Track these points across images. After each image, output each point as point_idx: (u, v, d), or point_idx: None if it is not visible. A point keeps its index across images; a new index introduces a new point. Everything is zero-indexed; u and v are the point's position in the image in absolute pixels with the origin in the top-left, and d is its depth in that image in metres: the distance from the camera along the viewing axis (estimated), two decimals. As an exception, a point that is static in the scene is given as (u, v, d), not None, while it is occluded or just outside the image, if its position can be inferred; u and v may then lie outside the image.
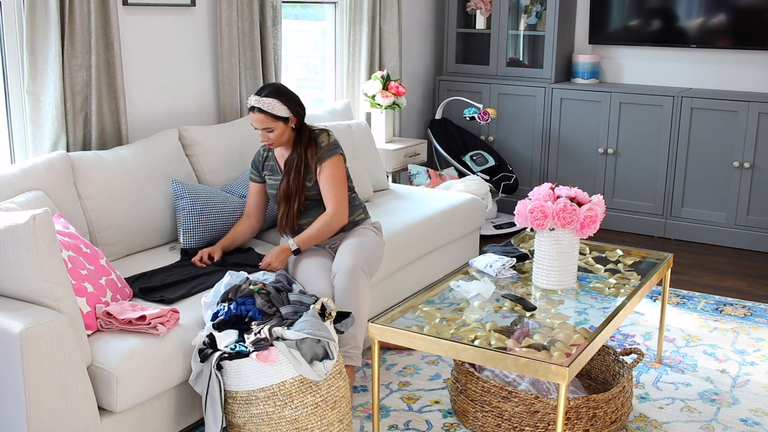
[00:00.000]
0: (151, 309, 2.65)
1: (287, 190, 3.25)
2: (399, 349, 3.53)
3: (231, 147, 3.82)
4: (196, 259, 3.22)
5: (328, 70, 5.16)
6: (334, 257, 3.31)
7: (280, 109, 3.17)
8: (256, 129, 3.22)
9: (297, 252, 3.19)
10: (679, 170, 5.18)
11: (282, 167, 3.33)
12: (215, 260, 3.24)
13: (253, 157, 3.45)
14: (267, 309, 2.68)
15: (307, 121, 4.27)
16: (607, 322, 2.68)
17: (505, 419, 2.77)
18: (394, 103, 5.01)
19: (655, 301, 4.16)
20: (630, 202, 5.40)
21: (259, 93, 3.19)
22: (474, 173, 5.30)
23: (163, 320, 2.62)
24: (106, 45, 3.44)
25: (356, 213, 3.40)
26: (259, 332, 2.58)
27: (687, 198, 5.21)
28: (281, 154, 3.35)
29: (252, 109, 3.18)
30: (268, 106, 3.15)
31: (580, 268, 3.17)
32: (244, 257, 3.33)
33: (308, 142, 3.26)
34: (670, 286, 4.35)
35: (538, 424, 2.72)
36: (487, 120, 5.35)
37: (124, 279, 2.91)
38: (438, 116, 5.70)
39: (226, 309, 2.68)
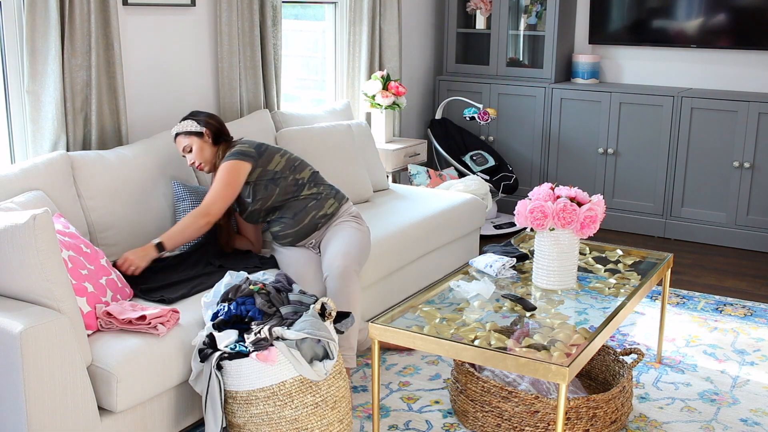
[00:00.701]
0: (151, 309, 2.65)
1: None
2: (399, 349, 3.53)
3: (231, 147, 3.82)
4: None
5: (328, 70, 5.16)
6: (317, 253, 3.32)
7: (191, 126, 3.32)
8: (183, 156, 3.37)
9: (160, 247, 3.07)
10: (679, 170, 5.18)
11: None
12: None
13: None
14: (267, 309, 2.68)
15: (306, 123, 4.30)
16: (607, 322, 2.68)
17: (505, 419, 2.77)
18: (394, 103, 5.01)
19: (655, 301, 4.16)
20: (630, 202, 5.40)
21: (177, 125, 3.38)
22: (474, 173, 5.30)
23: (163, 320, 2.62)
24: (106, 45, 3.44)
25: (327, 204, 3.35)
26: (259, 332, 2.58)
27: (687, 198, 5.21)
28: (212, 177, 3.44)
29: (174, 138, 3.36)
30: (181, 127, 3.33)
31: (580, 268, 3.17)
32: (240, 258, 3.32)
33: (224, 154, 3.33)
34: (670, 286, 4.35)
35: (538, 424, 2.72)
36: (487, 120, 5.35)
37: (125, 279, 2.91)
38: (438, 116, 5.70)
39: (226, 309, 2.68)
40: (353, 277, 3.09)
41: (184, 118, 3.36)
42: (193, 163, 3.33)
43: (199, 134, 3.31)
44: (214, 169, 3.35)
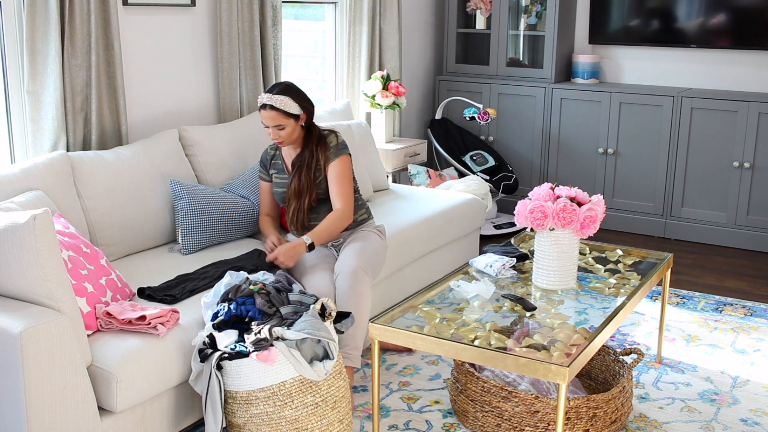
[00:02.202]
0: (151, 309, 2.65)
1: (299, 186, 3.27)
2: (399, 349, 3.53)
3: (231, 147, 3.82)
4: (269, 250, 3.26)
5: (328, 70, 5.16)
6: (337, 257, 3.32)
7: (292, 106, 3.20)
8: (266, 127, 3.23)
9: (311, 247, 3.18)
10: (679, 170, 5.18)
11: (289, 166, 3.35)
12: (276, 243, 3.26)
13: (261, 155, 3.48)
14: (267, 309, 2.68)
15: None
16: (607, 322, 2.68)
17: (505, 419, 2.77)
18: (394, 103, 5.01)
19: (655, 301, 4.16)
20: (630, 202, 5.40)
21: (270, 91, 3.22)
22: (474, 173, 5.30)
23: (163, 320, 2.62)
24: (106, 45, 3.44)
25: (359, 212, 3.42)
26: (259, 332, 2.58)
27: (687, 198, 5.21)
28: (289, 153, 3.37)
29: (263, 106, 3.20)
30: (280, 103, 3.18)
31: (580, 268, 3.17)
32: (248, 257, 3.31)
33: (318, 141, 3.29)
34: (670, 286, 4.35)
35: (538, 424, 2.72)
36: (487, 120, 5.35)
37: (154, 287, 2.93)
38: (438, 116, 5.70)
39: (226, 309, 2.68)
40: (363, 277, 3.10)
41: (280, 91, 3.21)
42: (278, 138, 3.23)
43: (296, 117, 3.23)
44: (289, 145, 3.31)
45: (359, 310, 3.03)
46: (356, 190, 3.43)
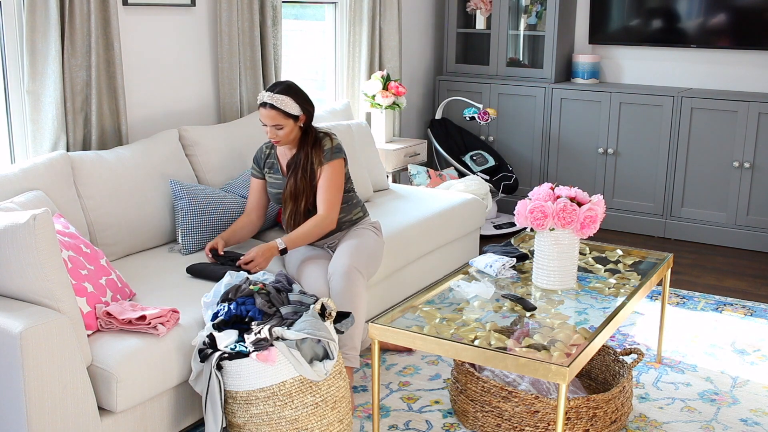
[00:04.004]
0: (151, 309, 2.65)
1: (295, 189, 3.25)
2: (399, 349, 3.53)
3: (231, 147, 3.82)
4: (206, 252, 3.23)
5: (328, 70, 5.16)
6: (331, 253, 3.32)
7: (292, 107, 3.17)
8: (264, 126, 3.21)
9: (284, 252, 3.15)
10: (679, 170, 5.18)
11: (284, 166, 3.33)
12: (219, 251, 3.20)
13: (255, 152, 3.45)
14: (267, 309, 2.68)
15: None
16: (607, 322, 2.68)
17: (505, 419, 2.77)
18: (394, 103, 5.01)
19: (655, 301, 4.16)
20: (630, 202, 5.40)
21: (271, 89, 3.18)
22: (474, 173, 5.30)
23: (163, 320, 2.62)
24: (106, 45, 3.44)
25: (354, 212, 3.40)
26: (259, 332, 2.58)
27: (687, 198, 5.21)
28: (284, 153, 3.35)
29: (263, 104, 3.17)
30: (281, 102, 3.15)
31: (580, 268, 3.17)
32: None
33: (313, 144, 3.26)
34: (670, 286, 4.35)
35: (538, 424, 2.72)
36: (487, 120, 5.35)
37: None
38: (438, 116, 5.70)
39: (226, 309, 2.68)
40: (357, 276, 3.08)
41: (280, 91, 3.17)
42: (275, 137, 3.20)
43: (295, 117, 3.20)
44: (286, 145, 3.27)
45: (355, 310, 3.02)
46: (351, 190, 3.41)
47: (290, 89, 3.21)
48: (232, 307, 2.68)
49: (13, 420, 2.29)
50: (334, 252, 3.32)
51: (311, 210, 3.28)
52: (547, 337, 2.60)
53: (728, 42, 5.21)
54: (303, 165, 3.24)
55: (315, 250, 3.32)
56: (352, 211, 3.39)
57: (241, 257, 3.12)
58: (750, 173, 4.98)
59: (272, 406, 2.56)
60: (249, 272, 2.99)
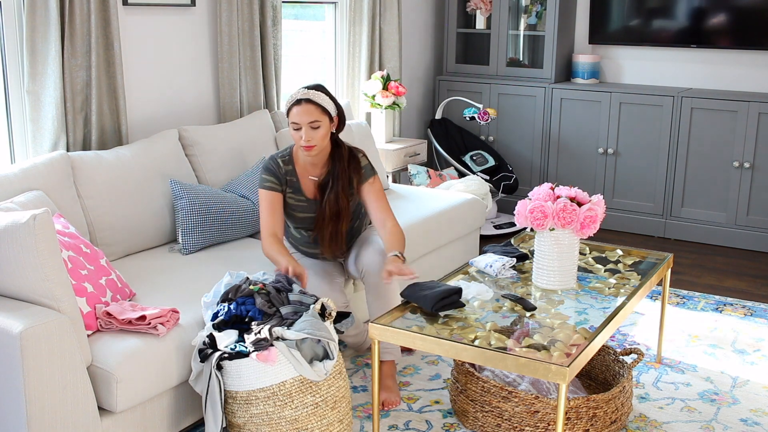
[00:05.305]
0: (151, 309, 2.65)
1: (336, 208, 3.06)
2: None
3: (231, 147, 3.82)
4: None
5: (328, 70, 5.16)
6: (340, 263, 3.32)
7: (328, 103, 3.01)
8: (297, 129, 2.96)
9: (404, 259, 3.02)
10: (679, 170, 5.18)
11: (307, 188, 3.12)
12: (303, 285, 2.92)
13: (265, 164, 3.12)
14: (267, 309, 2.68)
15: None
16: (607, 322, 2.68)
17: (505, 419, 2.77)
18: (394, 103, 5.01)
19: (655, 301, 4.16)
20: (630, 202, 5.40)
21: (302, 88, 3.02)
22: (474, 173, 5.30)
23: (162, 320, 2.62)
24: (106, 45, 3.44)
25: (365, 221, 3.38)
26: (259, 332, 2.58)
27: (687, 198, 5.21)
28: (305, 172, 3.11)
29: (298, 102, 2.96)
30: (317, 97, 2.97)
31: (580, 268, 3.17)
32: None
33: (349, 160, 3.09)
34: (670, 286, 4.35)
35: (538, 424, 2.72)
36: (487, 120, 5.35)
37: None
38: (438, 116, 5.70)
39: (225, 309, 2.68)
40: None
41: (313, 87, 2.99)
42: (309, 142, 2.95)
43: (330, 117, 3.01)
44: (316, 155, 3.04)
45: (393, 301, 3.04)
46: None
47: (323, 88, 3.06)
48: (232, 307, 2.68)
49: (13, 420, 2.29)
50: (345, 261, 3.30)
51: (352, 228, 3.21)
52: (547, 337, 2.60)
53: (728, 42, 5.21)
54: (341, 183, 3.06)
55: (326, 264, 3.25)
56: (364, 222, 3.36)
57: (383, 275, 2.92)
58: (750, 173, 4.98)
59: (272, 406, 2.56)
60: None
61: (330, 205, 3.07)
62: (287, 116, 3.02)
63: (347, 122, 4.37)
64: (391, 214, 3.14)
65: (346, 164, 3.09)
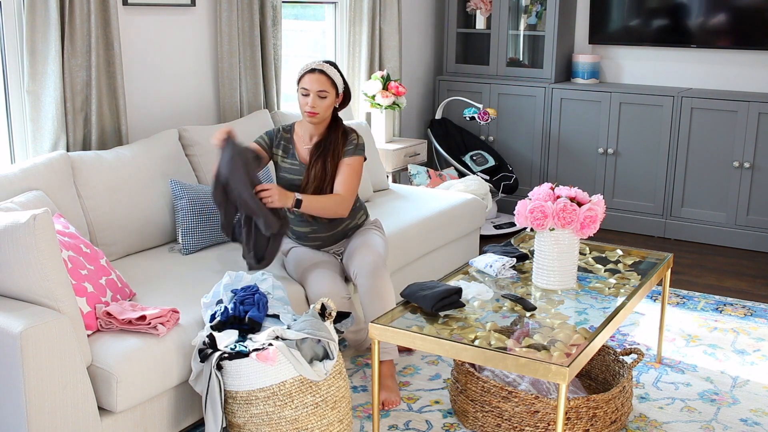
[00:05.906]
0: (151, 309, 2.65)
1: (323, 173, 3.23)
2: (399, 349, 3.52)
3: (231, 147, 3.82)
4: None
5: (328, 70, 5.15)
6: (339, 261, 3.34)
7: (338, 78, 3.24)
8: (305, 95, 3.19)
9: (297, 204, 3.09)
10: (679, 170, 5.18)
11: (302, 154, 3.30)
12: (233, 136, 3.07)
13: (270, 129, 3.40)
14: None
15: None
16: (607, 322, 2.68)
17: (505, 419, 2.77)
18: (394, 103, 5.01)
19: (655, 301, 4.16)
20: (630, 202, 5.40)
21: (320, 61, 3.27)
22: (474, 173, 5.30)
23: (163, 320, 2.62)
24: (106, 45, 3.44)
25: (359, 215, 3.42)
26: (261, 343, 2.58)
27: (687, 198, 5.21)
28: (302, 140, 3.31)
29: (312, 71, 3.20)
30: (329, 70, 3.22)
31: (580, 268, 3.17)
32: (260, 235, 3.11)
33: (343, 132, 3.29)
34: (670, 286, 4.35)
35: (538, 424, 2.72)
36: (487, 120, 5.35)
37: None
38: (438, 116, 5.70)
39: (222, 310, 2.68)
40: (383, 270, 3.15)
41: (327, 62, 3.24)
42: (313, 108, 3.18)
43: (337, 91, 3.25)
44: (317, 123, 3.25)
45: (388, 302, 3.08)
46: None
47: (335, 65, 3.29)
48: (229, 307, 2.68)
49: (13, 420, 2.29)
50: (341, 256, 3.35)
51: (347, 225, 3.35)
52: (547, 337, 2.59)
53: (728, 42, 5.21)
54: (332, 151, 3.24)
55: (322, 255, 3.32)
56: (356, 215, 3.40)
57: (259, 184, 3.04)
58: (750, 173, 4.98)
59: (272, 406, 2.56)
60: (261, 200, 2.98)
61: (317, 168, 3.24)
62: (297, 83, 3.24)
63: (347, 122, 4.38)
64: (347, 188, 3.22)
65: (340, 135, 3.28)
